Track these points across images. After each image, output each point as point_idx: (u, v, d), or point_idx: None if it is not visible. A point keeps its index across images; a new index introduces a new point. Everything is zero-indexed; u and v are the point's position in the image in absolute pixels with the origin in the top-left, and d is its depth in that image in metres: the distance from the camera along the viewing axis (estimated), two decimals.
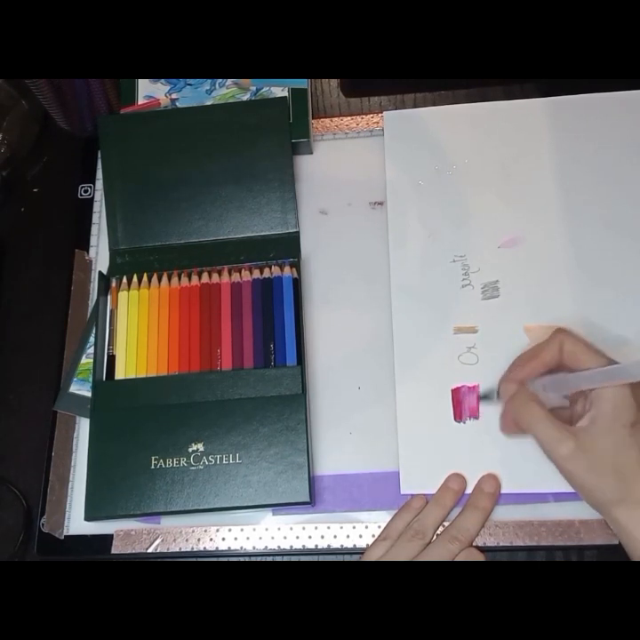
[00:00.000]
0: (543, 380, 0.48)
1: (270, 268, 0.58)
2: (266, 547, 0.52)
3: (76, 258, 0.62)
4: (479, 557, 0.48)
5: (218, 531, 0.53)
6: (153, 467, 0.52)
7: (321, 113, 0.65)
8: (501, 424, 0.51)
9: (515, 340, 0.54)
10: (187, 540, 0.53)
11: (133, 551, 0.53)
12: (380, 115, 0.63)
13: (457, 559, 0.48)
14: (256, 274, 0.57)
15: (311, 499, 0.51)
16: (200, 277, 0.58)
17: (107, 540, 0.53)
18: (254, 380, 0.53)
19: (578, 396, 0.48)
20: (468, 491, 0.51)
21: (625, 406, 0.44)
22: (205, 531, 0.53)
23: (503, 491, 0.51)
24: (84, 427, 0.56)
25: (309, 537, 0.52)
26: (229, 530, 0.53)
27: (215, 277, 0.58)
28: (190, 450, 0.52)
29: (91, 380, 0.56)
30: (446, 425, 0.53)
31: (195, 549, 0.53)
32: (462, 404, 0.53)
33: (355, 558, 0.52)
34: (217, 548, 0.53)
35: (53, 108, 0.62)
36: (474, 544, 0.49)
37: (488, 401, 0.52)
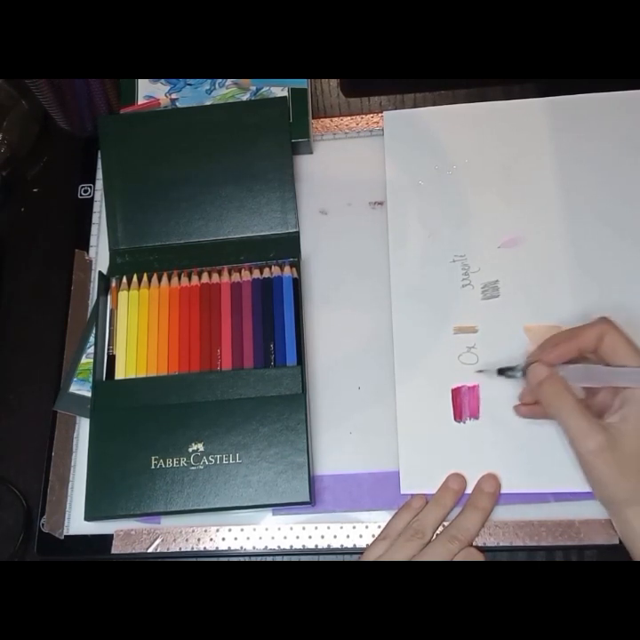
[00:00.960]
0: (572, 367, 0.47)
1: (270, 267, 0.58)
2: (266, 547, 0.52)
3: (76, 258, 0.62)
4: (478, 557, 0.48)
5: (218, 531, 0.53)
6: (153, 467, 0.52)
7: (321, 113, 0.65)
8: (520, 406, 0.51)
9: (515, 340, 0.54)
10: (187, 540, 0.53)
11: (133, 551, 0.53)
12: (380, 115, 0.63)
13: (456, 559, 0.48)
14: (256, 274, 0.57)
15: (311, 499, 0.51)
16: (200, 277, 0.58)
17: (107, 540, 0.53)
18: (254, 379, 0.53)
19: (600, 388, 0.47)
20: (469, 490, 0.51)
21: None
22: (205, 531, 0.53)
23: (503, 491, 0.51)
24: (84, 427, 0.56)
25: (309, 537, 0.52)
26: (229, 530, 0.53)
27: (215, 277, 0.58)
28: (190, 450, 0.52)
29: (91, 380, 0.56)
30: (446, 425, 0.53)
31: (195, 549, 0.53)
32: (462, 404, 0.53)
33: (355, 558, 0.52)
34: (217, 547, 0.53)
35: (53, 108, 0.62)
36: (474, 544, 0.49)
37: (510, 376, 0.51)
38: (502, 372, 0.51)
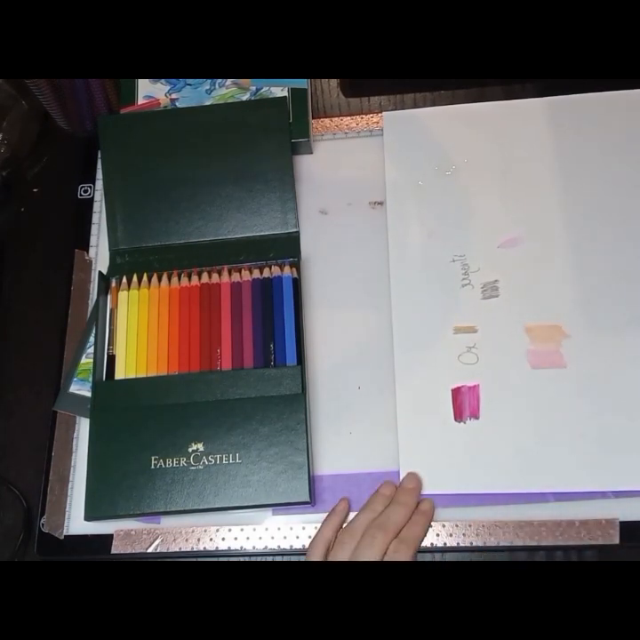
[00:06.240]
0: None
1: (270, 267, 0.58)
2: (266, 547, 0.52)
3: (76, 258, 0.62)
4: (406, 553, 0.47)
5: (218, 531, 0.53)
6: (153, 466, 0.52)
7: (321, 113, 0.65)
8: None
9: (515, 340, 0.54)
10: (187, 540, 0.53)
11: (133, 551, 0.53)
12: (379, 115, 0.63)
13: (388, 552, 0.47)
14: (256, 274, 0.57)
15: (311, 498, 0.51)
16: (200, 277, 0.58)
17: (107, 540, 0.53)
18: (254, 379, 0.53)
19: None
20: (470, 490, 0.51)
21: None
22: (205, 531, 0.53)
23: (503, 491, 0.51)
24: (84, 427, 0.56)
25: (309, 537, 0.52)
26: (229, 530, 0.53)
27: (215, 277, 0.58)
28: (190, 450, 0.52)
29: (91, 380, 0.56)
30: (446, 425, 0.53)
31: (195, 549, 0.53)
32: (462, 404, 0.53)
33: None
34: (217, 547, 0.53)
35: (53, 108, 0.62)
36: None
37: None
38: None
